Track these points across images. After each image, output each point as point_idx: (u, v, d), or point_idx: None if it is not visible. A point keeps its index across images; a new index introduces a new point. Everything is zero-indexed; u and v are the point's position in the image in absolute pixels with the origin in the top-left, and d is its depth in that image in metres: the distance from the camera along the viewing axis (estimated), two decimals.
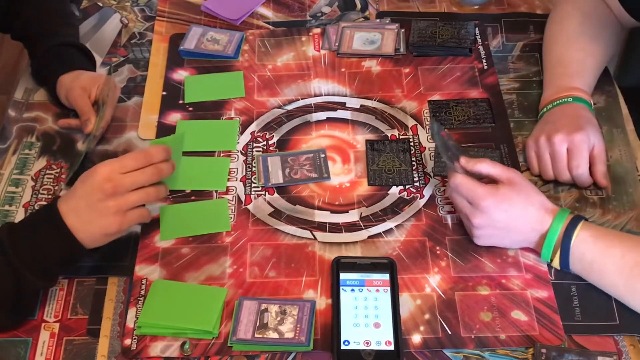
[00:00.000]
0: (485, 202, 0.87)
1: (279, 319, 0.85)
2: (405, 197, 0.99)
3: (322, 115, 1.10)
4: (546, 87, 1.08)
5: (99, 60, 1.18)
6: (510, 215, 0.87)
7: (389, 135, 1.07)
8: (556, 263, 0.87)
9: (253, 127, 1.09)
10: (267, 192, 1.00)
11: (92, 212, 0.82)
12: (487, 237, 0.90)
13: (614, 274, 0.85)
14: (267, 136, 1.07)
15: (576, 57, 1.07)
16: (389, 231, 0.96)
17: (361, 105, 1.11)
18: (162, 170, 0.86)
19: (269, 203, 0.99)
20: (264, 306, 0.86)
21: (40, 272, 0.83)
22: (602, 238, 0.86)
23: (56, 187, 1.01)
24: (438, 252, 0.93)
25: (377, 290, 0.87)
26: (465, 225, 0.92)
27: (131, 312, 0.88)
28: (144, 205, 0.87)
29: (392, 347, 0.82)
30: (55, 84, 1.07)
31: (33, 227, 0.84)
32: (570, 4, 1.12)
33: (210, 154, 1.05)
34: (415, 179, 1.01)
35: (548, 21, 1.16)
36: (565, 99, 1.02)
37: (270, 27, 1.25)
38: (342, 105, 1.11)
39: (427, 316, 0.87)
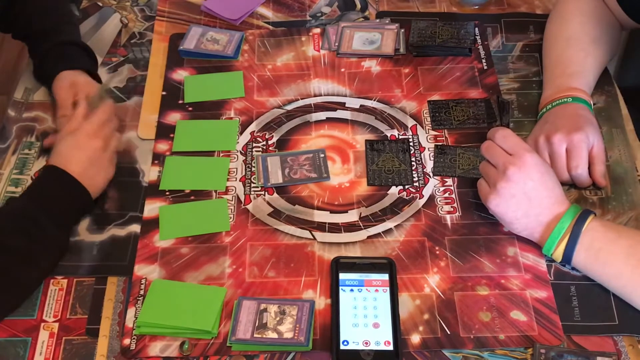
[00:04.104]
0: (529, 155, 0.87)
1: (278, 319, 0.85)
2: (405, 197, 0.99)
3: (321, 115, 1.10)
4: (546, 87, 1.08)
5: (99, 60, 1.17)
6: (542, 182, 0.87)
7: (389, 135, 1.07)
8: (560, 251, 0.87)
9: (253, 127, 1.09)
10: (266, 192, 1.00)
11: (95, 166, 0.95)
12: (507, 198, 0.87)
13: (620, 262, 0.85)
14: (266, 136, 1.07)
15: (576, 57, 1.07)
16: (388, 231, 0.96)
17: (361, 105, 1.11)
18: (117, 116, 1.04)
19: (268, 203, 0.99)
20: (263, 306, 0.86)
21: (54, 217, 0.90)
22: (613, 229, 0.87)
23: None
24: (437, 252, 0.93)
25: (377, 291, 0.87)
26: (489, 181, 0.90)
27: (130, 312, 0.88)
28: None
29: (391, 347, 0.82)
30: None
31: (40, 185, 0.93)
32: (570, 4, 1.12)
33: (209, 154, 1.05)
34: (414, 179, 1.01)
35: (548, 21, 1.16)
36: (565, 99, 1.02)
37: (270, 27, 1.25)
38: (342, 105, 1.11)
39: (426, 316, 0.87)
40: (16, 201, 0.92)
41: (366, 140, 1.06)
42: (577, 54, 1.07)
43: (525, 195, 0.87)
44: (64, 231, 0.93)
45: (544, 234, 0.88)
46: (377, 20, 1.25)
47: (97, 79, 1.12)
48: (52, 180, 0.93)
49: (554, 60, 1.09)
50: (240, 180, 1.02)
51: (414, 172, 1.02)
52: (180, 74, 1.16)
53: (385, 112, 1.10)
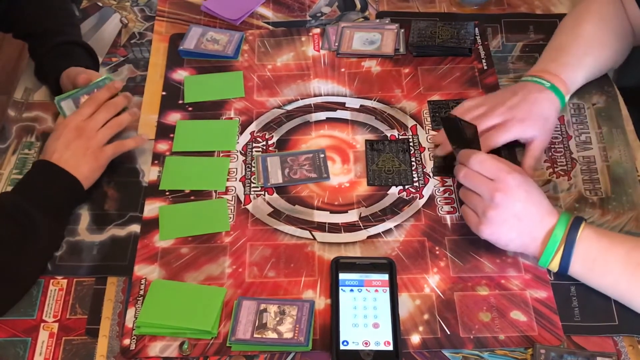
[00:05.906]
0: (511, 176, 0.85)
1: (278, 319, 0.85)
2: (405, 197, 0.99)
3: (321, 115, 1.10)
4: (537, 63, 1.07)
5: (99, 60, 1.18)
6: (528, 199, 0.86)
7: (389, 135, 1.07)
8: (556, 263, 0.86)
9: (252, 127, 1.09)
10: (266, 192, 1.00)
11: (76, 156, 0.96)
12: (499, 224, 0.86)
13: (617, 271, 0.84)
14: (266, 136, 1.07)
15: (576, 52, 1.06)
16: (388, 231, 0.96)
17: (361, 106, 1.11)
18: (116, 104, 1.03)
19: (268, 203, 0.99)
20: (263, 306, 0.86)
21: (40, 204, 0.92)
22: (606, 236, 0.86)
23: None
24: (437, 252, 0.93)
25: (376, 291, 0.87)
26: (476, 211, 0.88)
27: (130, 312, 0.88)
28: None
29: (391, 348, 0.82)
30: (59, 80, 1.07)
31: (25, 177, 0.96)
32: (592, 6, 1.10)
33: (209, 154, 1.05)
34: (414, 179, 1.01)
35: (567, 14, 1.13)
36: (543, 81, 1.01)
37: (270, 27, 1.25)
38: (342, 106, 1.11)
39: (426, 316, 0.87)
40: (3, 195, 0.96)
41: (366, 140, 1.06)
42: (578, 50, 1.06)
43: (515, 217, 0.86)
44: (54, 218, 0.94)
45: (539, 248, 0.87)
46: (377, 20, 1.25)
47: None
48: (36, 171, 0.96)
49: (555, 47, 1.07)
50: (240, 180, 1.02)
51: (414, 172, 1.02)
52: (180, 74, 1.16)
53: (385, 112, 1.10)
